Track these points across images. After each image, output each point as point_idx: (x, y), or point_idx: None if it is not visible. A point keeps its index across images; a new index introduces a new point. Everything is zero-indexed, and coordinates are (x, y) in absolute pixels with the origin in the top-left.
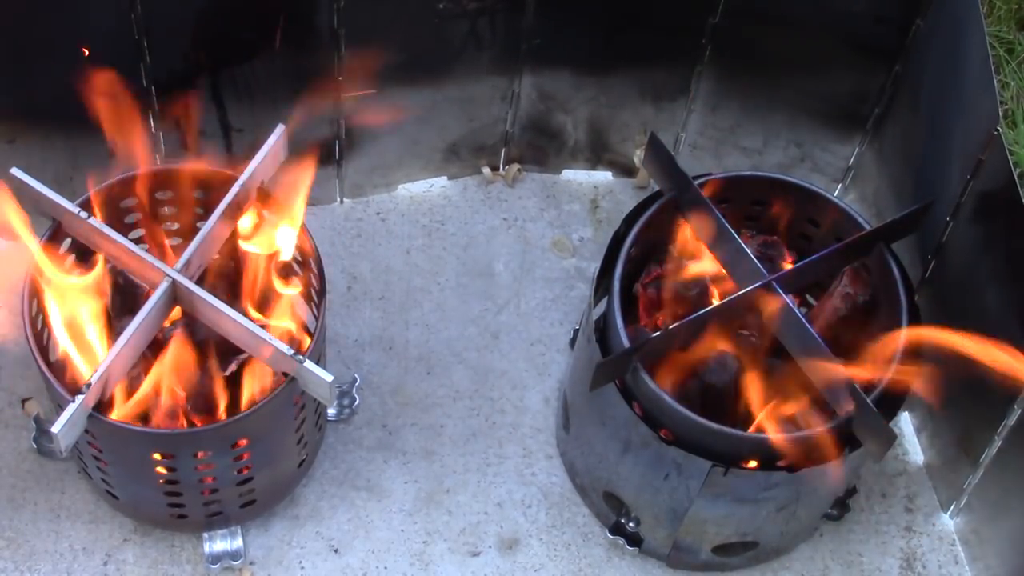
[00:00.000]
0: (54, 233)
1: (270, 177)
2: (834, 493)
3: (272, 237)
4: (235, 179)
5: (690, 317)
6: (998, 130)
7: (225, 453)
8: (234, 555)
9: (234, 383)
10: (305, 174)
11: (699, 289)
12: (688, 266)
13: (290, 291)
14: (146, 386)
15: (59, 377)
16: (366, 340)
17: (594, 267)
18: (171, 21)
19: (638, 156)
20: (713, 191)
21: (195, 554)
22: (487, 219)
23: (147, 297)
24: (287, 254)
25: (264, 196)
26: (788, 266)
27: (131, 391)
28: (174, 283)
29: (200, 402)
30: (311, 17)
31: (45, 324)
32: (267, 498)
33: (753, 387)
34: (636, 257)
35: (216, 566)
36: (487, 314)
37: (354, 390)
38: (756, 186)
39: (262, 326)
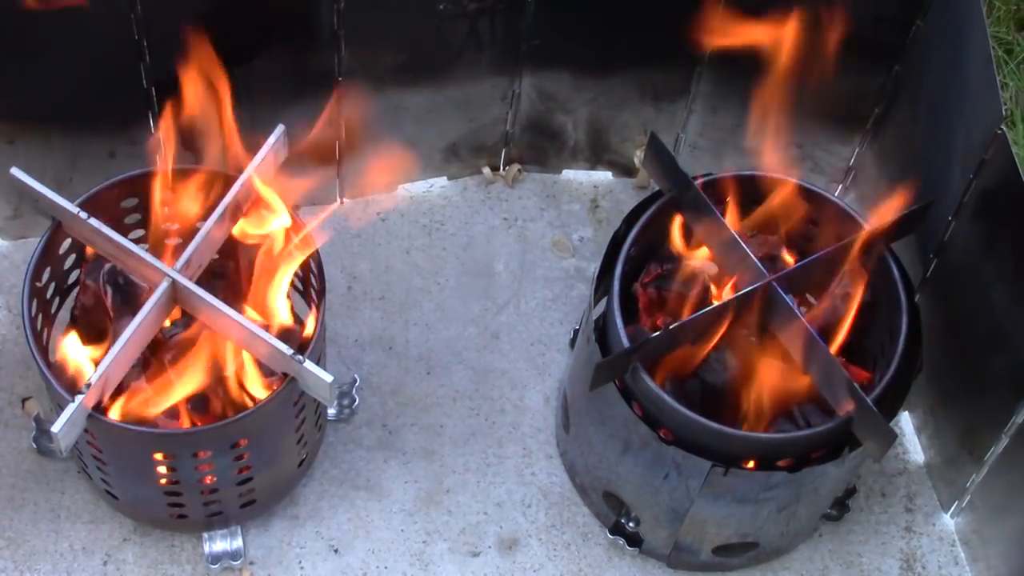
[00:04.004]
0: (54, 233)
1: (270, 177)
2: (834, 493)
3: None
4: (235, 179)
5: (690, 317)
6: (1002, 129)
7: (225, 453)
8: (234, 555)
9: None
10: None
11: (699, 289)
12: (687, 266)
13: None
14: None
15: (59, 377)
16: (366, 340)
17: (594, 267)
18: (171, 21)
19: (638, 156)
20: (713, 191)
21: (195, 554)
22: (487, 219)
23: (147, 297)
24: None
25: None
26: (788, 266)
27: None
28: (174, 283)
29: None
30: (311, 17)
31: (45, 324)
32: (267, 498)
33: (753, 387)
34: (636, 257)
35: (216, 566)
36: (487, 314)
37: (354, 390)
38: (756, 186)
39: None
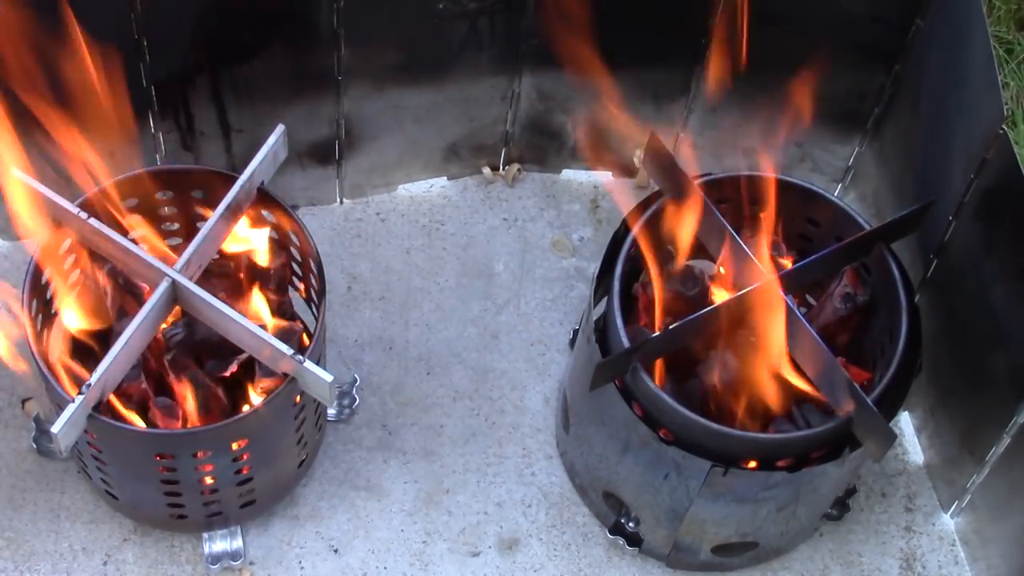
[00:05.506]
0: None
1: (270, 177)
2: (834, 493)
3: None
4: (235, 179)
5: (690, 317)
6: (1003, 129)
7: (225, 453)
8: (234, 555)
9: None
10: None
11: (699, 289)
12: (688, 265)
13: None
14: None
15: (59, 377)
16: (366, 340)
17: (594, 267)
18: (171, 21)
19: (638, 156)
20: (713, 191)
21: (195, 554)
22: (487, 219)
23: (147, 297)
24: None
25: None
26: (788, 266)
27: None
28: (174, 283)
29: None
30: (311, 17)
31: (45, 324)
32: (267, 498)
33: (753, 387)
34: (636, 257)
35: (216, 566)
36: (487, 314)
37: (354, 390)
38: (756, 186)
39: (262, 326)
